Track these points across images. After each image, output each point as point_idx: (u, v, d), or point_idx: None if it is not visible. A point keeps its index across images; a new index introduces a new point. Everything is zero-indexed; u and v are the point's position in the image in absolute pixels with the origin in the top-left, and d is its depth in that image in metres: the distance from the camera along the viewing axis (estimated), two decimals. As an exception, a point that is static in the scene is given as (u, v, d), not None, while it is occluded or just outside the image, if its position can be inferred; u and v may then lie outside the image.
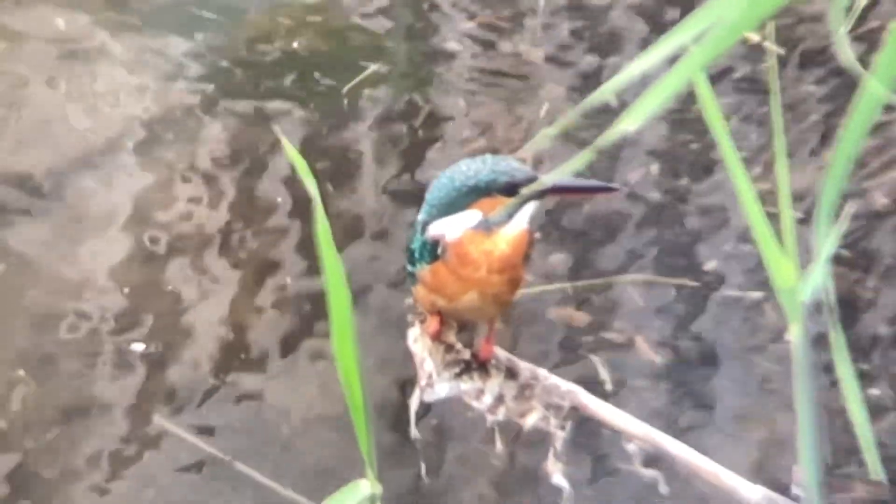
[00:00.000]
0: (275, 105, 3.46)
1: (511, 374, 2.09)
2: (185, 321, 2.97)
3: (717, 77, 3.38)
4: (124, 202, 3.21)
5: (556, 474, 2.06)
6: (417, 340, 2.12)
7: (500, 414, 2.07)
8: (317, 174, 1.57)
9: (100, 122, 3.40)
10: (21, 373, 2.87)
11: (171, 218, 3.18)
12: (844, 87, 3.35)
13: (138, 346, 2.90)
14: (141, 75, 3.54)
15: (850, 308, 2.90)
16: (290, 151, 1.55)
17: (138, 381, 2.86)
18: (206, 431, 2.77)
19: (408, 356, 2.11)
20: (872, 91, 1.19)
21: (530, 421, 2.06)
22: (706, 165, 3.25)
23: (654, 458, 2.03)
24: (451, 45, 3.64)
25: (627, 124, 1.14)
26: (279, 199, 3.22)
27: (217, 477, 2.71)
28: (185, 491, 2.69)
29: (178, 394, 2.84)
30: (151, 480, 2.70)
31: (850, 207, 1.32)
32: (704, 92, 1.34)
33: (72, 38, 3.63)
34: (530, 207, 1.96)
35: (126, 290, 3.03)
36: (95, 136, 3.36)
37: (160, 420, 2.79)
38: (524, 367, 2.10)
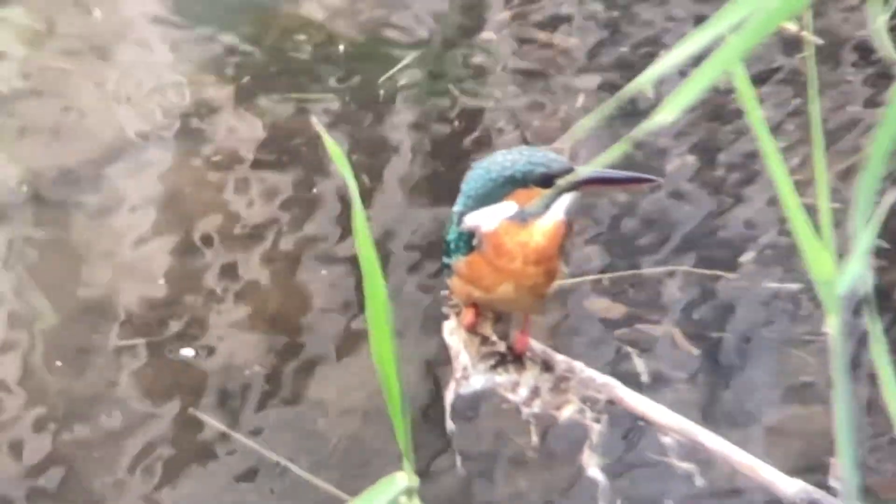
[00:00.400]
0: (310, 97, 3.46)
1: (547, 366, 2.08)
2: (222, 315, 2.98)
3: (755, 67, 3.36)
4: (162, 195, 3.22)
5: (592, 467, 2.06)
6: (453, 333, 2.11)
7: (536, 406, 2.06)
8: (353, 166, 1.57)
9: (137, 114, 3.41)
10: (59, 364, 2.88)
11: (210, 211, 3.19)
12: (883, 76, 3.33)
13: (188, 352, 2.90)
14: (176, 67, 3.54)
15: (889, 300, 2.89)
16: (329, 142, 1.55)
17: (175, 377, 2.87)
18: (240, 425, 2.78)
19: (443, 348, 2.11)
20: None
21: (566, 413, 2.06)
22: (744, 156, 3.24)
23: (690, 451, 2.03)
24: (487, 35, 3.63)
25: (664, 116, 1.14)
26: (315, 191, 3.22)
27: (251, 470, 2.71)
28: (220, 483, 2.70)
29: (211, 388, 2.85)
30: (185, 473, 2.71)
31: (889, 198, 1.31)
32: (742, 82, 1.33)
33: (108, 29, 3.64)
34: (567, 199, 1.95)
35: (164, 283, 3.03)
36: (132, 129, 3.37)
37: (196, 414, 2.79)
38: (560, 359, 2.09)
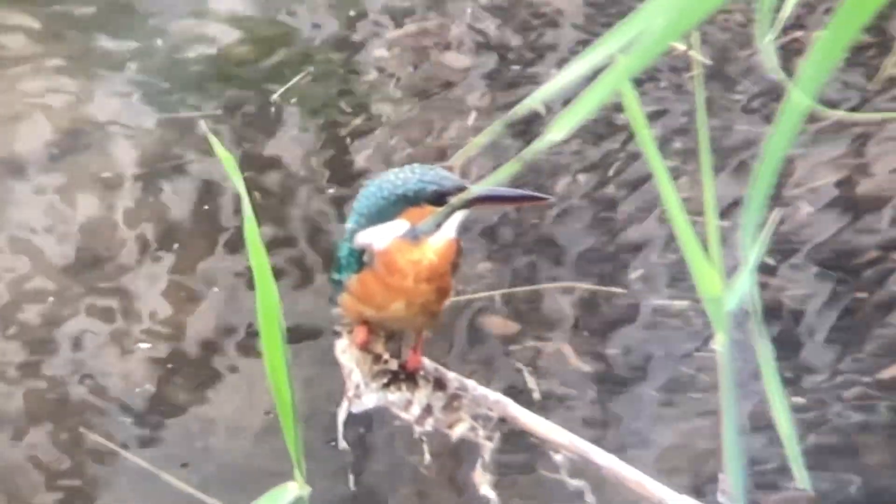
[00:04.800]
0: (201, 113, 3.44)
1: (439, 384, 2.08)
2: (109, 331, 2.95)
3: (644, 86, 3.39)
4: (49, 212, 3.18)
5: (484, 485, 2.06)
6: (345, 351, 2.10)
7: (428, 425, 2.06)
8: (245, 182, 1.56)
9: (24, 130, 3.37)
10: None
11: (99, 230, 3.16)
12: (770, 95, 3.38)
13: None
14: (66, 83, 3.50)
15: (775, 317, 2.92)
16: (221, 152, 1.53)
17: (61, 393, 2.84)
18: (131, 443, 2.75)
19: (335, 367, 2.10)
20: (796, 100, 1.20)
21: (458, 431, 2.05)
22: (633, 175, 3.26)
23: (581, 468, 2.03)
24: (380, 53, 3.63)
25: (555, 134, 1.14)
26: (206, 207, 3.20)
27: (143, 488, 2.68)
28: (108, 501, 2.67)
29: (103, 406, 2.82)
30: (77, 492, 2.68)
31: (776, 216, 1.33)
32: (631, 101, 1.34)
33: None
34: (458, 217, 1.95)
35: (50, 300, 3.00)
36: (19, 145, 3.33)
37: (86, 433, 2.76)
38: (452, 377, 2.09)
